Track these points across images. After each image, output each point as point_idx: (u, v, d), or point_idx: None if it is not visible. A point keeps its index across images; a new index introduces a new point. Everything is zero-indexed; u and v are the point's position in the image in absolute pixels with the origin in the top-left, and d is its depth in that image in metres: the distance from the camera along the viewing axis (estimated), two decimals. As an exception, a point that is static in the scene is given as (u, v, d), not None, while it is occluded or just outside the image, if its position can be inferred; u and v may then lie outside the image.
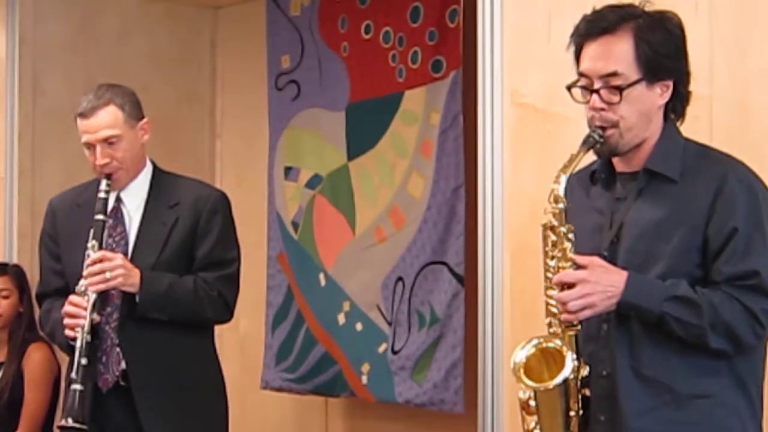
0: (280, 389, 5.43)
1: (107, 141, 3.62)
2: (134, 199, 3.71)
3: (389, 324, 5.00)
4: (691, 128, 3.28)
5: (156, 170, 3.79)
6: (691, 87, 3.22)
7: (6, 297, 4.78)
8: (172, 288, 3.59)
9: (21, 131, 5.41)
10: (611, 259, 2.59)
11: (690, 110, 3.27)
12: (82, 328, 3.48)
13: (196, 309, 3.64)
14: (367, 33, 5.15)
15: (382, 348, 5.02)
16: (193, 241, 3.67)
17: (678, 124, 2.70)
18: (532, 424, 2.64)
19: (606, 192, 2.69)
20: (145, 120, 3.74)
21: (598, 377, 2.61)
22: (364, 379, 5.08)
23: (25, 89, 5.43)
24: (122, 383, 3.60)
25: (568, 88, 2.66)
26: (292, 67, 5.51)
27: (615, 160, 2.68)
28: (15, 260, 5.25)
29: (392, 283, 4.99)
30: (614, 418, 2.57)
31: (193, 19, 6.11)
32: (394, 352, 4.95)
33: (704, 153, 2.65)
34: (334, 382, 5.22)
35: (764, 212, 2.54)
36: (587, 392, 2.62)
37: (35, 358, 4.58)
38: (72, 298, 3.55)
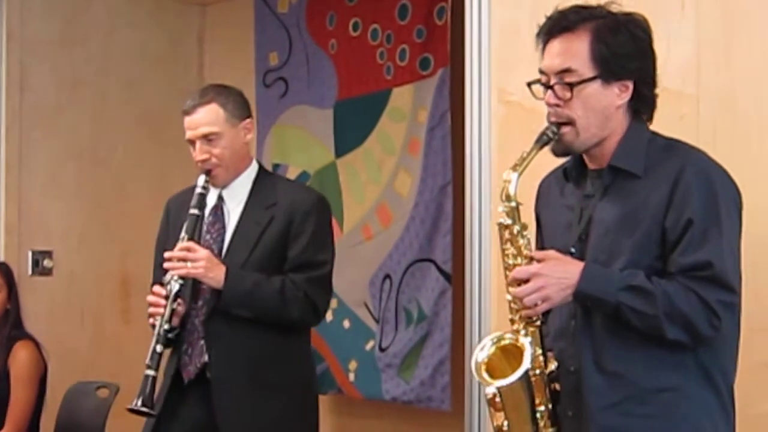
0: (267, 386, 5.43)
1: (206, 138, 3.66)
2: (235, 198, 3.73)
3: (377, 321, 5.01)
4: (677, 127, 3.28)
5: (261, 171, 3.81)
6: (679, 86, 3.23)
7: (-7, 294, 4.76)
8: (258, 286, 3.58)
9: (8, 126, 5.40)
10: (579, 255, 2.61)
11: (677, 109, 3.28)
12: (162, 316, 3.52)
13: (281, 309, 3.61)
14: (355, 30, 5.15)
15: (369, 345, 5.02)
16: (285, 241, 3.66)
17: (648, 124, 2.70)
18: (501, 419, 2.65)
19: (577, 189, 2.72)
20: (248, 120, 3.76)
21: (567, 373, 2.63)
22: (352, 376, 5.08)
23: (12, 84, 5.41)
24: (208, 376, 3.60)
25: (529, 85, 2.69)
26: (280, 64, 5.51)
27: (585, 157, 2.70)
28: (2, 256, 5.24)
29: (380, 281, 5.00)
30: (581, 413, 2.59)
31: (180, 15, 6.11)
32: (382, 350, 4.96)
33: (668, 146, 2.65)
34: (322, 380, 5.22)
35: (722, 203, 2.54)
36: (558, 387, 2.65)
37: (21, 355, 4.55)
38: (155, 287, 3.59)
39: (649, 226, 2.54)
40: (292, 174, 5.44)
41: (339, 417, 5.53)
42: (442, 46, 4.73)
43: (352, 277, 5.11)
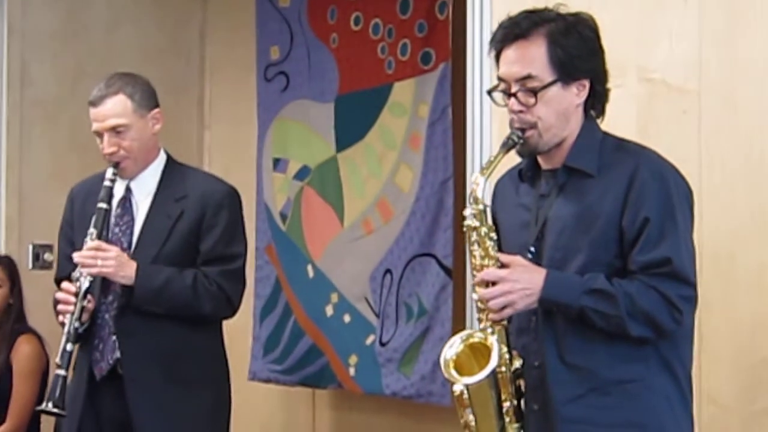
0: (267, 381, 5.43)
1: (114, 130, 3.63)
2: (143, 190, 3.70)
3: (377, 316, 5.00)
4: (679, 122, 3.29)
5: (169, 162, 3.77)
6: (681, 81, 3.23)
7: (-4, 288, 4.76)
8: (169, 282, 3.56)
9: (8, 121, 5.40)
10: (537, 255, 2.69)
11: (679, 104, 3.28)
12: (71, 314, 3.48)
13: (193, 304, 3.59)
14: (356, 25, 5.15)
15: (369, 340, 5.02)
16: (197, 235, 3.64)
17: (599, 121, 2.76)
18: (469, 415, 2.69)
19: (532, 189, 2.79)
20: (156, 110, 3.72)
21: (530, 368, 2.70)
22: (352, 371, 5.08)
23: (13, 79, 5.41)
24: (120, 372, 3.58)
25: (489, 93, 2.78)
26: (281, 58, 5.50)
27: (540, 158, 2.77)
28: (2, 250, 5.23)
29: (380, 275, 5.00)
30: (546, 406, 2.66)
31: (182, 9, 6.10)
32: (382, 344, 4.96)
33: (620, 146, 2.72)
34: (322, 374, 5.23)
35: (676, 200, 2.62)
36: (522, 384, 2.71)
37: (24, 350, 4.56)
38: (64, 284, 3.55)
39: (606, 225, 2.61)
40: (293, 168, 5.44)
41: (339, 412, 5.53)
42: (443, 41, 4.72)
43: (352, 272, 5.11)
